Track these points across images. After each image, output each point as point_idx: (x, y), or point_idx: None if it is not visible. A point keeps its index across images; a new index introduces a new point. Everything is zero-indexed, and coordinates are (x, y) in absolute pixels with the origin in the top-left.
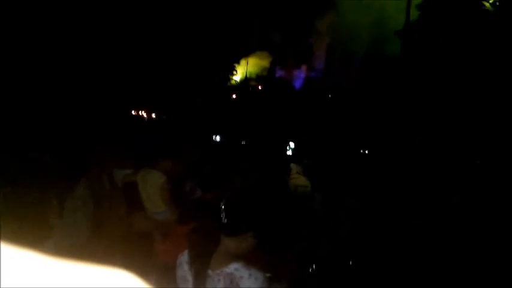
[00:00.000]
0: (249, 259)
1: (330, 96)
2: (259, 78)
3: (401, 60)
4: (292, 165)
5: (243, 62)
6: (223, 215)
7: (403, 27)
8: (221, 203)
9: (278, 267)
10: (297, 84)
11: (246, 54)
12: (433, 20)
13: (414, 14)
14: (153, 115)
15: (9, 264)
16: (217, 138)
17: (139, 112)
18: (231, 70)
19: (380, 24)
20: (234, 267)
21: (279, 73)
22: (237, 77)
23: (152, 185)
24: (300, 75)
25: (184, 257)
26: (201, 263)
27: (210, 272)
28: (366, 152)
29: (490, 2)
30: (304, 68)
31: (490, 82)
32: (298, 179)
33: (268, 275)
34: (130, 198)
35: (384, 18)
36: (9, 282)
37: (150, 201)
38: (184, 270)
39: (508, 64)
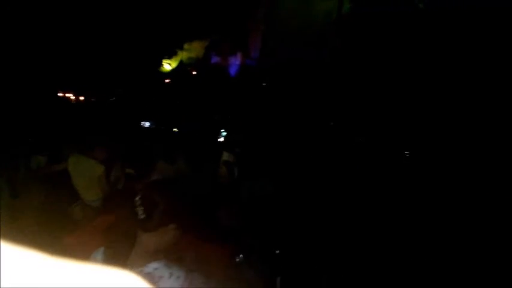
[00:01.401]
0: (180, 253)
1: (263, 84)
2: (195, 64)
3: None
4: (224, 154)
5: (186, 46)
6: (139, 208)
7: (334, 19)
8: (137, 195)
9: (211, 261)
10: (232, 71)
11: (183, 39)
12: (364, 13)
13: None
14: (81, 98)
15: (9, 263)
16: (147, 124)
17: (67, 95)
18: (166, 55)
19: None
20: (153, 267)
21: (215, 59)
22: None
23: (88, 174)
24: (235, 62)
25: (98, 255)
26: (117, 263)
27: None
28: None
29: None
30: (239, 54)
31: (423, 76)
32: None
33: (194, 272)
34: (65, 186)
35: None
36: (9, 282)
37: (86, 189)
38: None
39: (439, 59)
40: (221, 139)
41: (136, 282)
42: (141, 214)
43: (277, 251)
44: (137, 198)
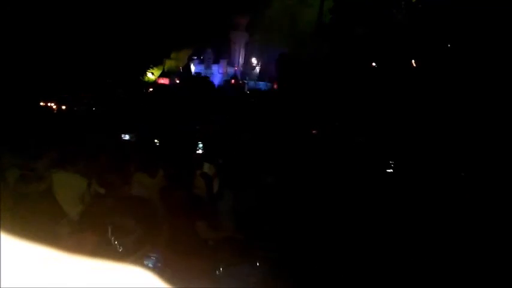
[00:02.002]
0: None
1: (248, 93)
2: (177, 73)
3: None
4: (205, 165)
5: (173, 55)
6: (111, 237)
7: (315, 29)
8: (108, 217)
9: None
10: (216, 79)
11: (171, 48)
12: (345, 22)
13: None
14: (63, 107)
15: (19, 261)
16: (127, 137)
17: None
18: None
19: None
20: None
21: (198, 68)
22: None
23: (74, 190)
24: (219, 71)
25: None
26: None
27: None
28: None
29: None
30: (223, 63)
31: (401, 79)
32: (199, 180)
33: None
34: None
35: (300, 21)
36: (19, 279)
37: (72, 206)
38: None
39: (417, 63)
40: (199, 151)
41: (148, 280)
42: (114, 244)
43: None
44: (109, 227)
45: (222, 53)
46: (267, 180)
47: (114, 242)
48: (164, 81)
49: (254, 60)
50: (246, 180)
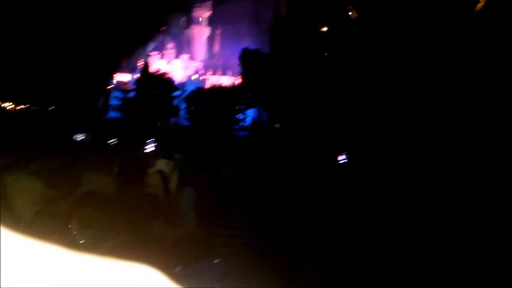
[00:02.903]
0: None
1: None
2: (136, 69)
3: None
4: (160, 162)
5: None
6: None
7: (272, 23)
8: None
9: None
10: (177, 75)
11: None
12: (301, 17)
13: None
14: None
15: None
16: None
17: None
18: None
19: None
20: None
21: (159, 63)
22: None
23: (29, 191)
24: (180, 65)
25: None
26: None
27: None
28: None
29: None
30: (184, 57)
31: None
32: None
33: None
34: None
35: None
36: (29, 276)
37: (25, 208)
38: None
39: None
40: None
41: (159, 278)
42: (75, 236)
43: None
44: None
45: (184, 48)
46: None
47: (74, 233)
48: (123, 77)
49: (217, 55)
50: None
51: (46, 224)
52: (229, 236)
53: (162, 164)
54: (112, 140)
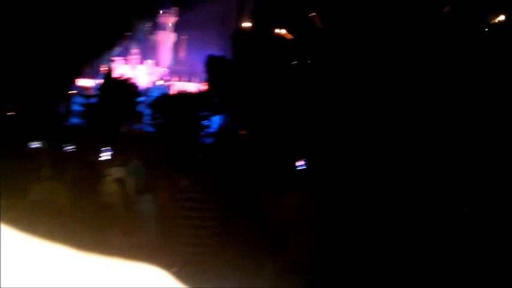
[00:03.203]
0: None
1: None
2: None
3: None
4: (113, 170)
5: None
6: None
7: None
8: None
9: None
10: (141, 81)
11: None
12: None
13: None
14: None
15: (34, 257)
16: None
17: None
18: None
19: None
20: None
21: (123, 69)
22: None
23: None
24: (144, 72)
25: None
26: None
27: None
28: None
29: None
30: (149, 63)
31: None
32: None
33: None
34: None
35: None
36: (37, 276)
37: None
38: None
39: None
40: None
41: (166, 279)
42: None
43: None
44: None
45: (149, 54)
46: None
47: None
48: (85, 83)
49: (182, 61)
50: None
51: None
52: (192, 245)
53: (120, 172)
54: (69, 147)
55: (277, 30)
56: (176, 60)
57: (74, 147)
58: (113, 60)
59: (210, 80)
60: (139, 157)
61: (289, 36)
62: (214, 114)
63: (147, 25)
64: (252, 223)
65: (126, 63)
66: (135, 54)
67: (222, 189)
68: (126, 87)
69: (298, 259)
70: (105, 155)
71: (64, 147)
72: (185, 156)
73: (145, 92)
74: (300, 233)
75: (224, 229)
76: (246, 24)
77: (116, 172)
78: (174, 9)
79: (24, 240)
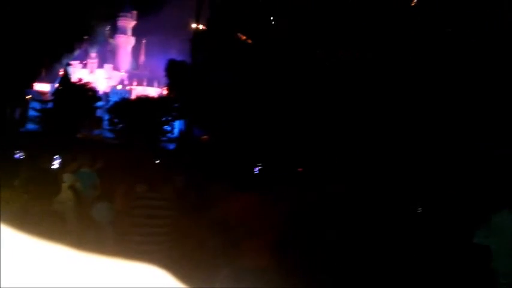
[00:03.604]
0: None
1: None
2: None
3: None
4: (66, 177)
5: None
6: None
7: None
8: None
9: None
10: (100, 85)
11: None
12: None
13: None
14: None
15: (33, 256)
16: None
17: None
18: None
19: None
20: None
21: (80, 73)
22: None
23: None
24: (103, 76)
25: None
26: None
27: None
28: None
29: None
30: (108, 67)
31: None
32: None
33: None
34: None
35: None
36: (36, 275)
37: None
38: None
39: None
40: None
41: (166, 279)
42: None
43: None
44: None
45: (108, 58)
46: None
47: None
48: (42, 87)
49: (143, 65)
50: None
51: None
52: (152, 252)
53: (74, 179)
54: (20, 154)
55: (235, 34)
56: (136, 64)
57: (26, 153)
58: (70, 64)
59: (170, 85)
60: (96, 163)
61: (248, 40)
62: (175, 119)
63: (107, 29)
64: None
65: (84, 67)
66: (93, 58)
67: (179, 195)
68: (84, 91)
69: (253, 263)
70: (61, 162)
71: (17, 153)
72: (144, 162)
73: (104, 96)
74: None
75: (180, 235)
76: (205, 28)
77: (71, 179)
78: (133, 12)
79: (22, 239)
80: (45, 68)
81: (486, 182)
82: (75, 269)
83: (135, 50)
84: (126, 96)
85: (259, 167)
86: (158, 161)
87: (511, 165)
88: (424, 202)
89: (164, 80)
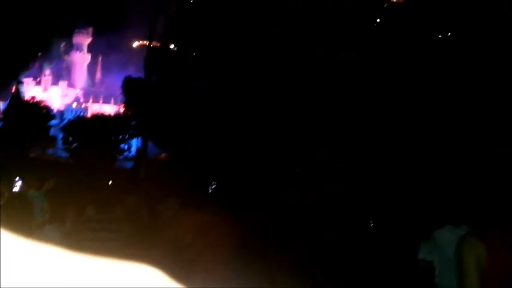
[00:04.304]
0: None
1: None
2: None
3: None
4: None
5: None
6: None
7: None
8: None
9: None
10: (55, 103)
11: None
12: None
13: None
14: None
15: (30, 258)
16: None
17: None
18: None
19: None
20: None
21: (34, 91)
22: None
23: None
24: (57, 93)
25: None
26: None
27: None
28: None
29: None
30: (62, 84)
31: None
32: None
33: None
34: None
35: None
36: (33, 277)
37: None
38: None
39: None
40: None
41: (161, 278)
42: None
43: None
44: None
45: (63, 75)
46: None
47: None
48: None
49: (99, 82)
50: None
51: None
52: None
53: (25, 199)
54: None
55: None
56: (92, 81)
57: None
58: (22, 82)
59: (127, 102)
60: (44, 185)
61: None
62: (132, 137)
63: (62, 45)
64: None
65: (38, 85)
66: (48, 75)
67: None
68: (37, 109)
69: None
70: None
71: None
72: (96, 183)
73: (59, 114)
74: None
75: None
76: (160, 45)
77: (20, 199)
78: (89, 29)
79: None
80: None
81: (432, 196)
82: (71, 270)
83: (91, 67)
84: (82, 114)
85: (214, 186)
86: (111, 182)
87: (454, 183)
88: (377, 216)
89: (121, 97)
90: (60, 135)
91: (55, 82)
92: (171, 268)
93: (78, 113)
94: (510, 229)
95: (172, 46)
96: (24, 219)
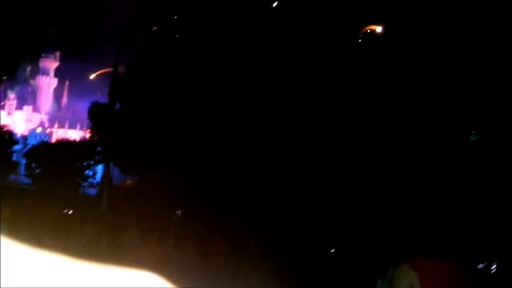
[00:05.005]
0: None
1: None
2: None
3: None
4: None
5: None
6: None
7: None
8: None
9: None
10: (18, 127)
11: None
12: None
13: None
14: None
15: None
16: None
17: None
18: None
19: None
20: None
21: None
22: None
23: None
24: (22, 118)
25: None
26: None
27: None
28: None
29: None
30: (27, 109)
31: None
32: None
33: None
34: None
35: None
36: (31, 282)
37: None
38: None
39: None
40: None
41: (161, 284)
42: None
43: None
44: None
45: (28, 99)
46: None
47: None
48: None
49: (65, 107)
50: None
51: None
52: None
53: None
54: None
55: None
56: (58, 106)
57: None
58: None
59: (93, 128)
60: (4, 213)
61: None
62: (98, 163)
63: (28, 69)
64: None
65: (2, 109)
66: (12, 99)
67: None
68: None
69: None
70: None
71: None
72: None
73: (22, 139)
74: None
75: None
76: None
77: None
78: (56, 53)
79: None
80: None
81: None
82: (72, 276)
83: (57, 92)
84: (46, 139)
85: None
86: (72, 211)
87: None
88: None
89: (87, 122)
90: (23, 161)
91: (19, 106)
92: None
93: (42, 138)
94: (441, 259)
95: (137, 74)
96: None
